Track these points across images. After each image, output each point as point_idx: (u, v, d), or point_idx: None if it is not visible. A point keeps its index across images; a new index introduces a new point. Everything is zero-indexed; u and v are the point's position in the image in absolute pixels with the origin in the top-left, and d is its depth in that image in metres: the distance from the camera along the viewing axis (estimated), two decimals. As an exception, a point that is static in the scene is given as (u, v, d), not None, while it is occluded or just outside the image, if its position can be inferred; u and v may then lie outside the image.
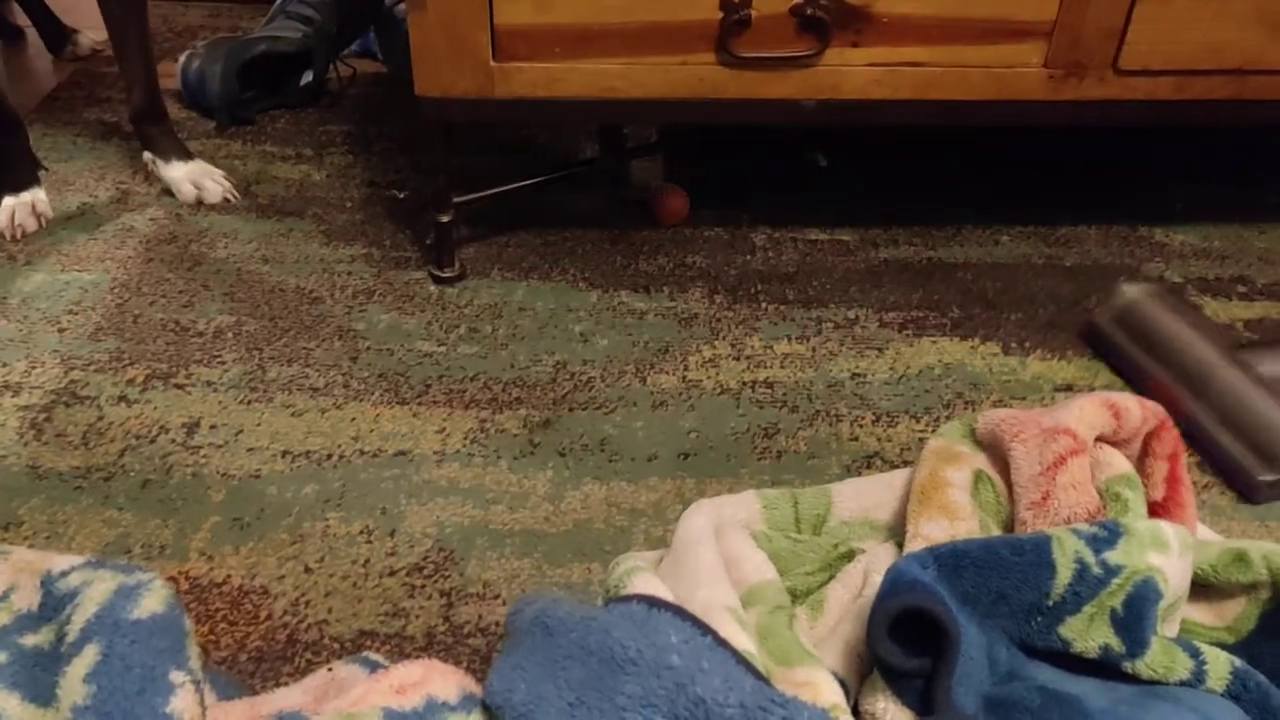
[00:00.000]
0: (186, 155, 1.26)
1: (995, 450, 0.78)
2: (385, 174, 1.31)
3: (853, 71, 1.03)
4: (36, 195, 1.19)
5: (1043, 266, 1.20)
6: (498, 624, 0.78)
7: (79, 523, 0.85)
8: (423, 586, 0.81)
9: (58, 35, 1.54)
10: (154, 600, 0.56)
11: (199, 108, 1.41)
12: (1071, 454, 0.73)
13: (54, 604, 0.57)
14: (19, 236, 1.17)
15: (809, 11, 0.99)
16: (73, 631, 0.54)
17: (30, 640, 0.56)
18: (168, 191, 1.25)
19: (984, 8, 1.00)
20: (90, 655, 0.52)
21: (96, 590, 0.56)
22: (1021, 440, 0.76)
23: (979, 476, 0.77)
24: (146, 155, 1.26)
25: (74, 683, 0.51)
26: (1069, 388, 1.03)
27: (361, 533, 0.86)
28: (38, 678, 0.54)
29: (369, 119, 1.42)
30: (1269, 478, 0.91)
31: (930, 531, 0.74)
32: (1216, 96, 1.06)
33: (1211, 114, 1.08)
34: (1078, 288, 1.17)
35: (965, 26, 1.01)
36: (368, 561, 0.83)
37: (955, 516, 0.74)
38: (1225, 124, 0.95)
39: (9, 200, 1.18)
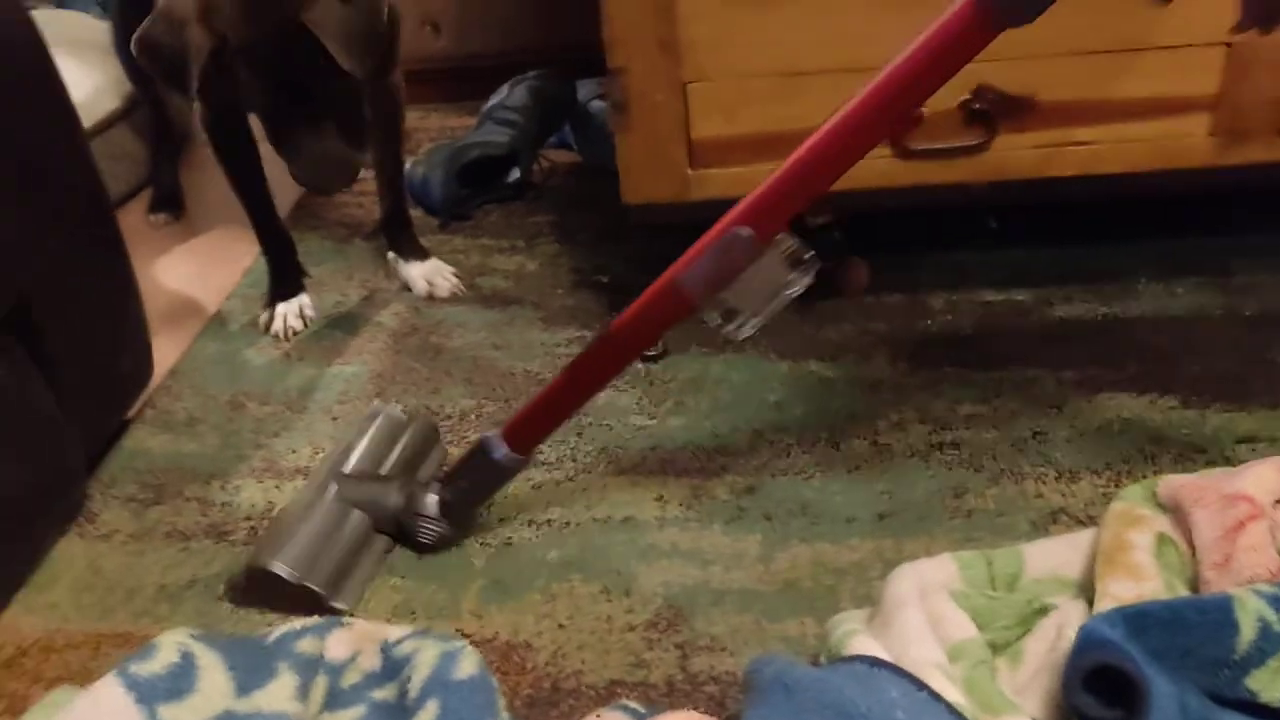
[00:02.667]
0: (424, 255, 1.46)
1: (1177, 514, 0.85)
2: (589, 260, 1.47)
3: (1020, 154, 1.11)
4: (303, 300, 1.40)
5: (1220, 318, 1.24)
6: (728, 673, 0.90)
7: (372, 588, 1.02)
8: (659, 640, 0.94)
9: None
10: (469, 664, 0.71)
11: (423, 208, 1.60)
12: (1250, 519, 0.80)
13: (393, 666, 0.73)
14: (289, 337, 1.38)
15: (976, 106, 1.09)
16: (414, 689, 0.69)
17: (379, 695, 0.72)
18: (406, 287, 1.44)
19: (1146, 87, 1.07)
20: (431, 709, 0.67)
21: (426, 655, 0.71)
22: (1202, 505, 0.83)
23: (1162, 539, 0.84)
24: (390, 255, 1.46)
25: (421, 731, 0.66)
26: (1251, 439, 1.08)
27: (602, 592, 0.99)
28: (390, 727, 0.69)
29: (570, 209, 1.58)
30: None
31: (1118, 591, 0.82)
32: (1388, 150, 1.10)
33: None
34: (1258, 338, 1.21)
35: (1129, 106, 1.08)
36: (610, 618, 0.97)
37: (1141, 577, 0.82)
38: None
39: (281, 306, 1.39)
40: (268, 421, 1.24)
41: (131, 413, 1.26)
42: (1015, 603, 0.87)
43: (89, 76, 1.72)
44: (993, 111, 1.08)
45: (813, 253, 0.85)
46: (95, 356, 1.15)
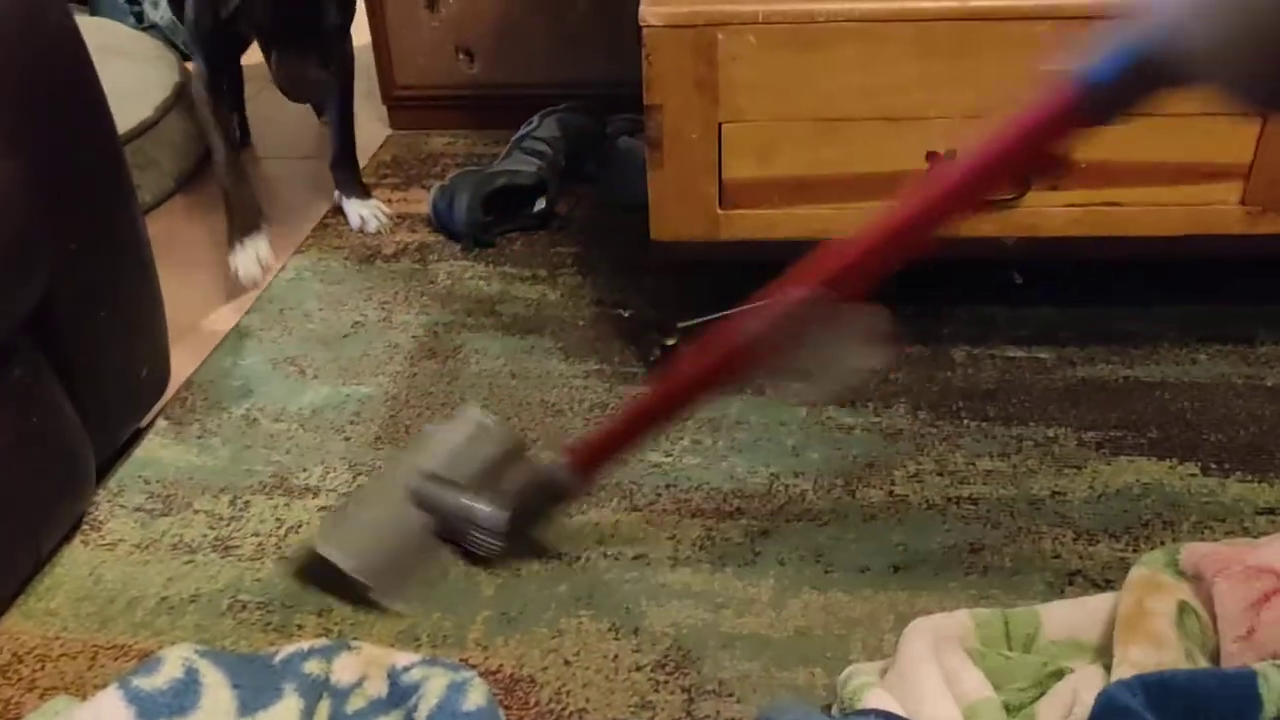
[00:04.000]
0: (365, 195, 1.68)
1: (1199, 583, 0.84)
2: (611, 293, 1.46)
3: (1052, 212, 1.11)
4: (259, 243, 1.52)
5: (1242, 387, 1.23)
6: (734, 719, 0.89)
7: (377, 613, 1.00)
8: (666, 682, 0.93)
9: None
10: (477, 695, 0.70)
11: (446, 232, 1.60)
12: (1275, 593, 0.79)
13: (400, 693, 0.72)
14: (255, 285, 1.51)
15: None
16: (420, 718, 0.68)
17: (383, 723, 0.71)
18: (426, 310, 1.44)
19: (1179, 153, 1.07)
20: (438, 740, 0.66)
21: (434, 684, 0.70)
22: (1225, 576, 0.82)
23: (1183, 608, 0.83)
24: (336, 193, 1.67)
25: (426, 762, 0.65)
26: (1271, 511, 1.07)
27: (610, 630, 0.98)
28: (394, 756, 0.68)
29: (593, 241, 1.58)
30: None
31: (1137, 658, 0.80)
32: None
33: None
34: (1279, 409, 1.20)
35: (1161, 170, 1.08)
36: (617, 657, 0.95)
37: (1161, 645, 0.80)
38: None
39: (241, 253, 1.51)
40: (280, 438, 1.23)
41: (144, 422, 1.25)
42: (1031, 664, 0.86)
43: (120, 84, 1.73)
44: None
45: (893, 330, 0.81)
46: (113, 363, 1.15)
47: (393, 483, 1.05)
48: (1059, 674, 0.85)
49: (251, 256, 1.50)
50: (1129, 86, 0.67)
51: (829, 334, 0.78)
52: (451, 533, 1.04)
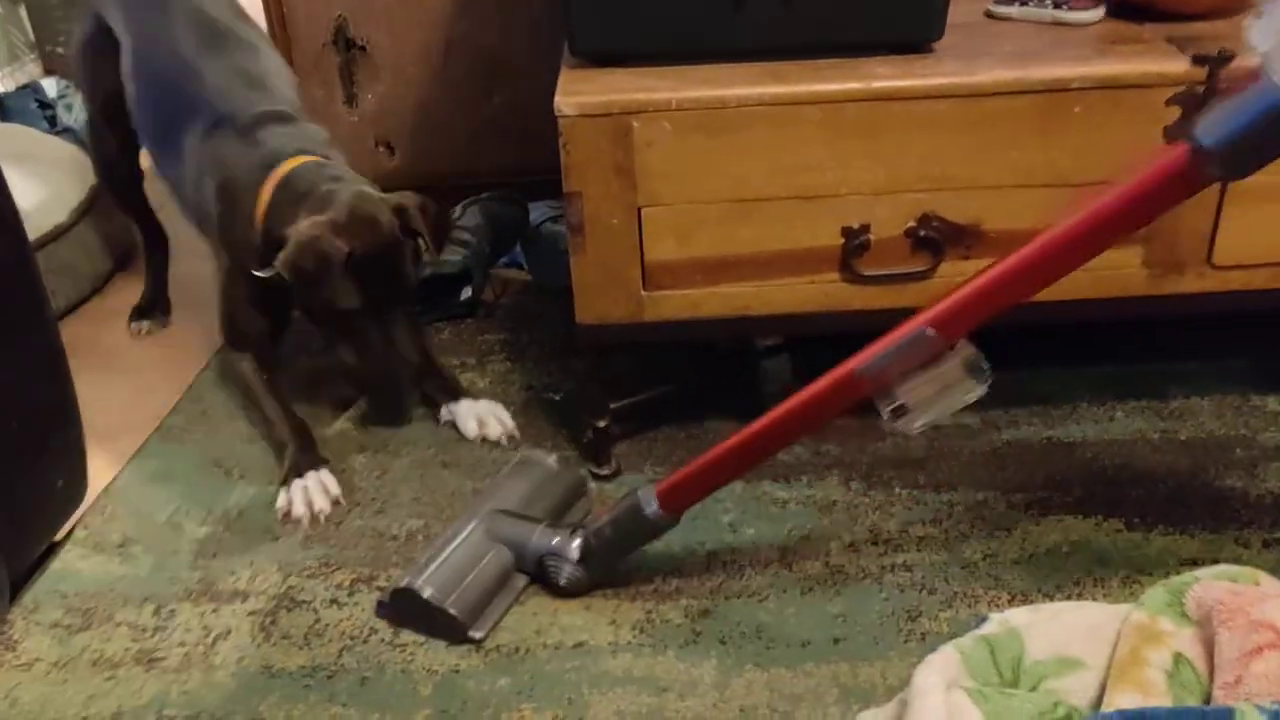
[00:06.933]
0: (471, 395, 1.38)
1: (1205, 627, 0.86)
2: (540, 378, 1.46)
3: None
4: (324, 475, 1.27)
5: (1159, 441, 1.27)
6: (684, 809, 0.87)
7: (310, 719, 0.97)
8: (612, 773, 0.91)
9: None
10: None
11: (373, 324, 1.59)
12: (1270, 647, 0.82)
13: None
14: (320, 522, 1.22)
15: (922, 233, 1.12)
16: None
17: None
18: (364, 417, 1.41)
19: (1082, 219, 1.12)
20: None
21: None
22: (1229, 627, 0.84)
23: (1179, 659, 0.86)
24: (441, 410, 1.38)
25: None
26: (1194, 562, 1.09)
27: (552, 722, 0.96)
28: None
29: (521, 326, 1.59)
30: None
31: (1123, 704, 0.82)
32: (1309, 281, 1.15)
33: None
34: (1195, 461, 1.23)
35: (1066, 236, 1.12)
36: (561, 750, 0.93)
37: (1149, 693, 0.82)
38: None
39: (297, 482, 1.25)
40: (206, 543, 1.20)
41: (61, 534, 1.21)
42: (1033, 705, 0.85)
43: (33, 190, 1.71)
44: (939, 239, 1.12)
45: (988, 365, 0.92)
46: (25, 475, 1.11)
47: (472, 523, 1.11)
48: (1068, 717, 0.85)
49: (316, 487, 1.25)
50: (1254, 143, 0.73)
51: (935, 369, 0.89)
52: (533, 565, 1.09)
